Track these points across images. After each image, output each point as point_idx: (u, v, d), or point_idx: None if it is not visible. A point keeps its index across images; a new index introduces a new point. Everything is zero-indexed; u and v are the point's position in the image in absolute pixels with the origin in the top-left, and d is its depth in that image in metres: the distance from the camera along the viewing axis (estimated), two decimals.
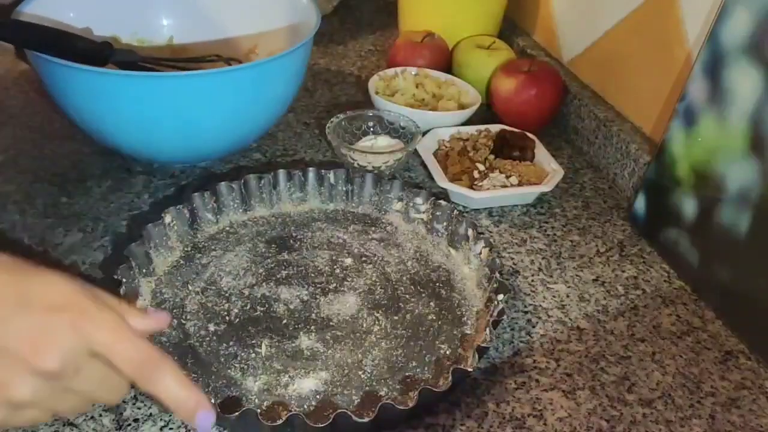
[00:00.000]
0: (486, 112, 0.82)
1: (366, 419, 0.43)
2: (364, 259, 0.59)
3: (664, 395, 0.50)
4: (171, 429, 0.45)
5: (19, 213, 0.63)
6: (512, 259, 0.62)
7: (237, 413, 0.42)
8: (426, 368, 0.50)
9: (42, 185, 0.67)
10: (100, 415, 0.46)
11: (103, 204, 0.65)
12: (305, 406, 0.47)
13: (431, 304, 0.55)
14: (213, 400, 0.43)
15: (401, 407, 0.43)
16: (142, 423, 0.46)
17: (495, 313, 0.50)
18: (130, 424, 0.45)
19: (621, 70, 0.74)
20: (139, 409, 0.47)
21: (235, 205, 0.63)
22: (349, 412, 0.42)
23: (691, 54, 0.63)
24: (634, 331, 0.55)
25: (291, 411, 0.45)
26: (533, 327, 0.55)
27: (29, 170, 0.69)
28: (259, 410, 0.43)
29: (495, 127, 0.75)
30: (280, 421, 0.42)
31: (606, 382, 0.50)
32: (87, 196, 0.66)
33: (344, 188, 0.65)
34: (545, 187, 0.67)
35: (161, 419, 0.46)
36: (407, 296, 0.56)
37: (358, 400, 0.47)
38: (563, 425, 0.47)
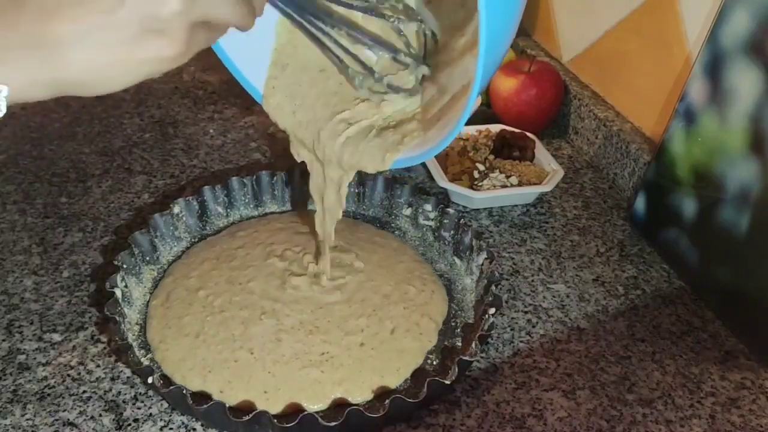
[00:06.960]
0: (486, 112, 0.82)
1: (333, 423, 0.43)
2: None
3: (664, 395, 0.50)
4: (171, 429, 0.45)
5: (19, 213, 0.64)
6: (512, 259, 0.62)
7: (206, 405, 0.42)
8: (410, 377, 0.49)
9: (42, 185, 0.67)
10: (100, 415, 0.46)
11: (103, 204, 0.65)
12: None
13: None
14: (185, 392, 0.43)
15: (371, 414, 0.43)
16: (142, 423, 0.46)
17: (485, 327, 0.49)
18: (130, 424, 0.45)
19: (621, 70, 0.74)
20: (138, 409, 0.47)
21: (247, 200, 0.64)
22: (316, 415, 0.42)
23: (691, 54, 0.63)
24: (634, 331, 0.55)
25: (258, 408, 0.45)
26: (533, 327, 0.55)
27: (29, 170, 0.69)
28: (228, 405, 0.44)
29: (495, 127, 0.75)
30: (247, 417, 0.42)
31: (606, 382, 0.50)
32: (87, 196, 0.66)
33: (356, 190, 0.65)
34: (545, 187, 0.67)
35: (161, 419, 0.46)
36: None
37: (329, 404, 0.47)
38: (563, 425, 0.47)
